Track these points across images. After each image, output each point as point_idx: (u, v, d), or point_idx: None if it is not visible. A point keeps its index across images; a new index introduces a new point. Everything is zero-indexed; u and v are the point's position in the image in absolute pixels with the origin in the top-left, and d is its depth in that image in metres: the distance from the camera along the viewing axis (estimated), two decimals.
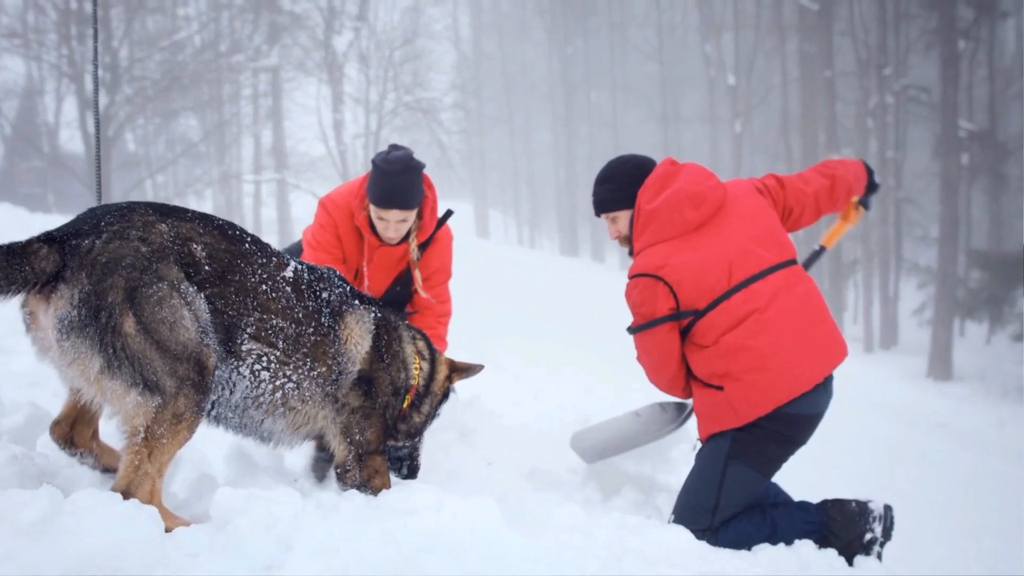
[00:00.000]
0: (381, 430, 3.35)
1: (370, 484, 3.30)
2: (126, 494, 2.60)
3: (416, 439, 3.64)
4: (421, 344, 3.61)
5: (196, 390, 2.71)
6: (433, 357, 3.64)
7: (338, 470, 3.29)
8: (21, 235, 2.62)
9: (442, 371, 3.66)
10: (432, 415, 3.66)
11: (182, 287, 2.73)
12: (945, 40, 22.70)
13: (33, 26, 24.77)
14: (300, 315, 3.08)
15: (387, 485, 3.34)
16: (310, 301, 3.14)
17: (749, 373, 3.84)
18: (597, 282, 26.52)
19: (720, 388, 3.92)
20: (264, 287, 2.99)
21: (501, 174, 52.78)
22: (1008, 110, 31.63)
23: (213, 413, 2.98)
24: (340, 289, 3.31)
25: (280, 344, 3.00)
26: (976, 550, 8.12)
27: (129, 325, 2.60)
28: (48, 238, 2.62)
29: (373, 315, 3.37)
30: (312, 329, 3.10)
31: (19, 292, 2.57)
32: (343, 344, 3.20)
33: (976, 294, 22.39)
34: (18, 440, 3.10)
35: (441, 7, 41.13)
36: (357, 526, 2.55)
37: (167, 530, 2.49)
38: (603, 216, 4.32)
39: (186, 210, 2.94)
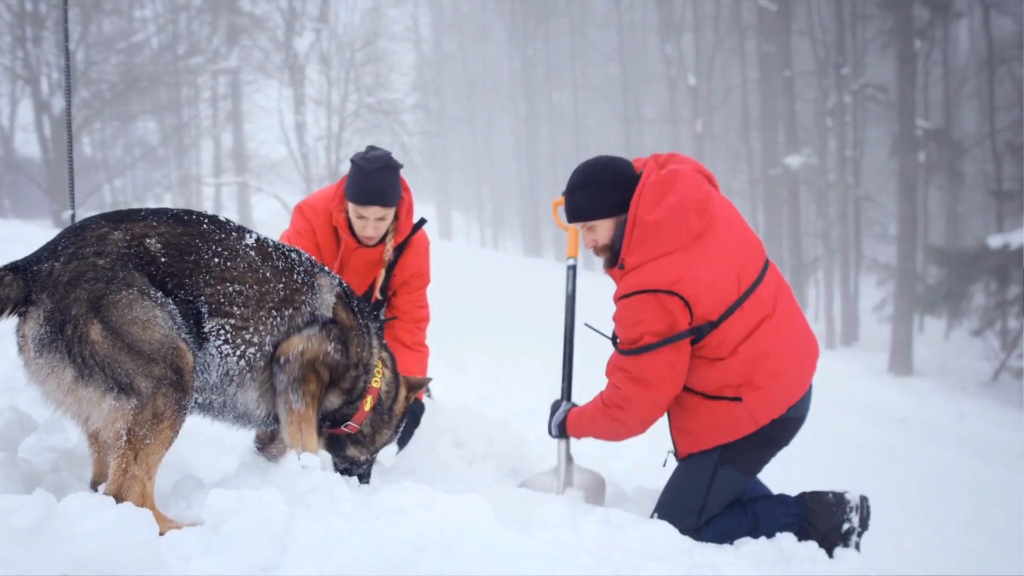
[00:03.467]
0: (336, 369, 3.30)
1: (304, 385, 3.20)
2: (117, 498, 2.60)
3: (374, 454, 3.65)
4: (386, 356, 3.63)
5: (175, 388, 2.73)
6: (395, 372, 3.66)
7: (280, 358, 3.14)
8: None
9: (402, 391, 3.69)
10: (396, 429, 3.68)
11: (150, 291, 2.78)
12: (901, 40, 23.00)
13: None
14: (267, 274, 3.10)
15: (315, 393, 3.25)
16: (279, 261, 3.16)
17: (769, 379, 3.78)
18: (561, 282, 26.57)
19: (737, 399, 3.82)
20: (217, 260, 3.00)
21: (463, 175, 52.78)
22: (963, 109, 32.24)
23: (200, 400, 3.01)
24: (308, 255, 3.35)
25: (237, 310, 3.01)
26: (941, 542, 8.23)
27: (95, 332, 2.64)
28: (13, 267, 2.71)
29: (339, 281, 3.40)
30: (283, 284, 3.13)
31: None
32: (315, 294, 3.23)
33: (934, 290, 22.67)
34: (0, 445, 3.06)
35: (401, 8, 41.07)
36: (350, 526, 2.54)
37: (160, 534, 2.48)
38: (578, 225, 4.03)
39: (139, 210, 2.98)
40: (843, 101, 26.43)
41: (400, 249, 4.64)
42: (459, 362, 10.38)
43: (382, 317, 4.74)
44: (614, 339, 4.00)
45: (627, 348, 3.82)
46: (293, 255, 3.24)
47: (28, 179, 23.49)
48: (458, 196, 55.34)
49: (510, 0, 42.38)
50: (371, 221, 4.37)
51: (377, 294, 4.67)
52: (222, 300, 2.97)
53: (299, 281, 3.18)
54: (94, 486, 3.01)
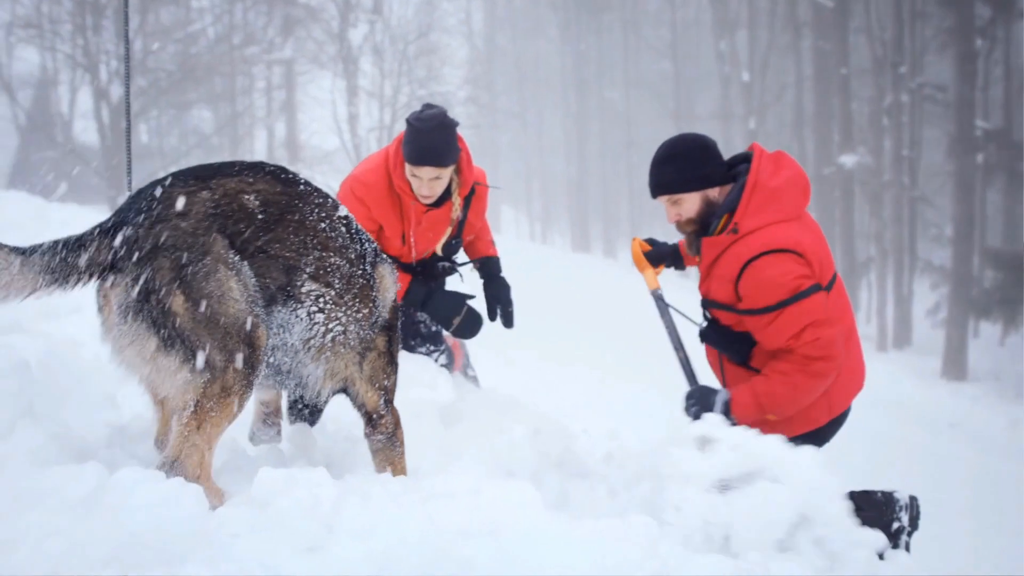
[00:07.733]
0: (397, 379, 3.37)
1: (396, 433, 3.30)
2: (175, 463, 2.64)
3: None
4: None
5: (245, 364, 2.75)
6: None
7: (373, 416, 3.26)
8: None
9: None
10: None
11: (228, 257, 2.78)
12: (961, 39, 22.58)
13: (48, 16, 24.77)
14: (352, 256, 3.12)
15: (403, 439, 3.37)
16: (357, 244, 3.17)
17: (848, 367, 3.82)
18: (608, 279, 26.53)
19: None
20: (323, 225, 3.03)
21: (513, 169, 52.73)
22: None
23: (271, 359, 3.01)
24: (373, 241, 3.35)
25: (336, 284, 3.04)
26: (987, 550, 8.17)
27: (178, 304, 2.67)
28: (102, 229, 2.73)
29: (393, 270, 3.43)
30: (360, 272, 3.14)
31: (80, 283, 2.69)
32: (378, 291, 3.24)
33: (990, 294, 22.24)
34: (55, 418, 3.11)
35: (455, 2, 41.04)
36: (397, 509, 2.54)
37: (213, 508, 2.50)
38: (663, 198, 3.97)
39: (232, 164, 2.98)
40: (900, 100, 26.01)
41: (468, 201, 4.71)
42: (506, 358, 10.38)
43: (458, 264, 5.00)
44: (706, 316, 4.05)
45: (792, 296, 3.68)
46: (367, 243, 3.24)
47: (84, 164, 23.78)
48: (508, 190, 55.31)
49: None
50: (426, 181, 4.38)
51: (438, 250, 4.78)
52: (327, 270, 3.00)
53: (367, 272, 3.19)
54: (158, 443, 3.07)
